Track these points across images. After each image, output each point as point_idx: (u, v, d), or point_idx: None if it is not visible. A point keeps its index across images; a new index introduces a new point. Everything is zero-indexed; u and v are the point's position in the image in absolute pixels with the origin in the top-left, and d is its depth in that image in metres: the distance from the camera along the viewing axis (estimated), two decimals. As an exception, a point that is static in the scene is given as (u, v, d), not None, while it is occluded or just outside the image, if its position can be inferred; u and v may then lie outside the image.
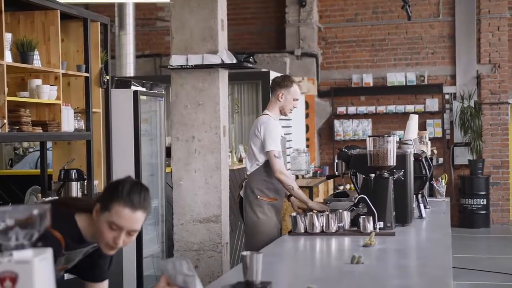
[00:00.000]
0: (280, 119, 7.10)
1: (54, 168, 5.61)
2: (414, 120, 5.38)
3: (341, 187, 10.26)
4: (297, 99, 5.18)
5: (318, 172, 10.36)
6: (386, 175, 4.23)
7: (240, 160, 8.40)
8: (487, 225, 11.91)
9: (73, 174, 5.30)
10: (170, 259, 2.35)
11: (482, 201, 11.83)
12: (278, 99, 5.12)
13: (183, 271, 2.30)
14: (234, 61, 5.41)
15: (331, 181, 10.60)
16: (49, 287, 1.73)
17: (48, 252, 1.74)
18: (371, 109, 12.42)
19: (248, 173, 5.13)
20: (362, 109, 12.47)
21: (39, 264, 1.68)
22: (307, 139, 12.05)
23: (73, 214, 2.60)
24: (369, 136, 4.31)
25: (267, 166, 4.99)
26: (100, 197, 2.57)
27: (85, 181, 5.46)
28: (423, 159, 4.91)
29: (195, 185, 5.43)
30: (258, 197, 5.02)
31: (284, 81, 5.16)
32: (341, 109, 12.55)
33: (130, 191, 2.50)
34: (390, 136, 4.26)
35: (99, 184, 5.73)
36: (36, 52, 4.79)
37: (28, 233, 1.71)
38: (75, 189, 5.28)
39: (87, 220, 2.58)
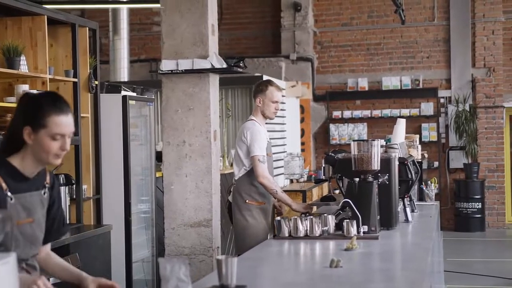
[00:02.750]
0: (273, 123, 7.11)
1: (44, 173, 5.62)
2: (401, 125, 5.40)
3: (337, 191, 10.25)
4: (276, 101, 5.22)
5: (313, 176, 10.36)
6: (370, 179, 4.23)
7: (232, 165, 8.41)
8: (483, 228, 11.91)
9: (61, 178, 5.31)
10: (172, 258, 2.34)
11: (478, 205, 11.84)
12: (258, 104, 5.22)
13: (180, 275, 2.29)
14: (224, 65, 5.41)
15: (325, 185, 10.61)
16: (12, 291, 1.74)
17: (11, 257, 1.75)
18: (367, 113, 12.44)
19: (236, 178, 5.22)
20: (358, 113, 12.48)
21: (0, 268, 1.69)
22: (303, 143, 12.07)
23: (4, 158, 2.63)
24: (353, 140, 4.32)
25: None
26: (25, 120, 2.59)
27: (74, 185, 5.47)
28: (410, 163, 4.91)
29: (186, 189, 5.44)
30: (247, 201, 5.10)
31: (259, 86, 5.26)
32: (336, 113, 12.57)
33: (53, 101, 2.61)
34: (374, 140, 4.27)
35: (87, 189, 5.74)
36: (23, 57, 4.81)
37: (-11, 237, 1.72)
38: (63, 194, 5.29)
39: (19, 158, 2.62)
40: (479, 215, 11.87)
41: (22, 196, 2.61)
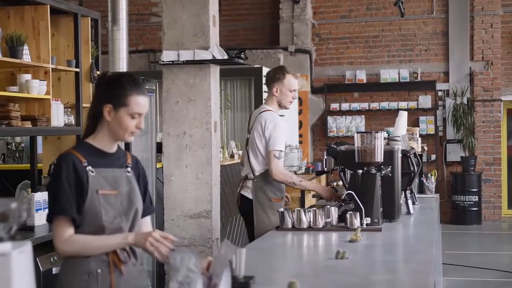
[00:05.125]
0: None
1: (44, 163, 5.62)
2: (403, 117, 5.41)
3: (334, 183, 10.27)
4: (293, 90, 4.95)
5: (311, 168, 10.38)
6: (373, 171, 4.24)
7: (232, 156, 8.40)
8: (479, 221, 11.96)
9: (63, 169, 5.29)
10: (182, 249, 2.34)
11: (474, 198, 11.88)
12: (274, 94, 4.97)
13: (190, 266, 2.29)
14: (225, 57, 5.40)
15: (323, 177, 10.63)
16: (28, 279, 1.74)
17: (27, 246, 1.75)
18: (365, 105, 12.45)
19: (256, 174, 4.95)
20: (356, 105, 12.49)
21: (17, 256, 1.69)
22: (301, 135, 12.08)
23: (82, 140, 2.84)
24: (357, 132, 4.31)
25: None
26: (107, 98, 2.76)
27: (75, 176, 5.46)
28: (412, 155, 4.92)
29: (186, 180, 5.43)
30: (272, 199, 4.92)
31: (276, 74, 4.97)
32: (334, 106, 12.58)
33: (134, 82, 2.79)
34: (377, 132, 4.27)
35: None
36: (26, 47, 4.80)
37: (6, 226, 1.72)
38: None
39: (94, 136, 2.81)
40: (475, 208, 11.91)
41: (103, 170, 2.78)
